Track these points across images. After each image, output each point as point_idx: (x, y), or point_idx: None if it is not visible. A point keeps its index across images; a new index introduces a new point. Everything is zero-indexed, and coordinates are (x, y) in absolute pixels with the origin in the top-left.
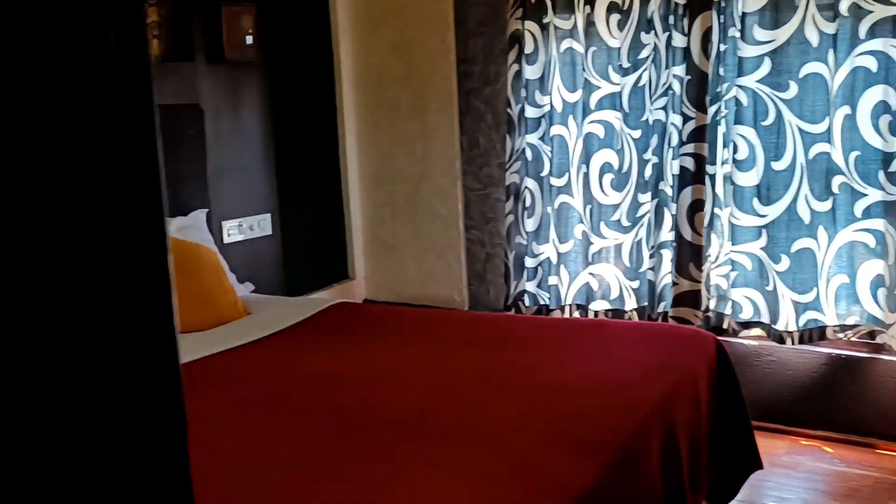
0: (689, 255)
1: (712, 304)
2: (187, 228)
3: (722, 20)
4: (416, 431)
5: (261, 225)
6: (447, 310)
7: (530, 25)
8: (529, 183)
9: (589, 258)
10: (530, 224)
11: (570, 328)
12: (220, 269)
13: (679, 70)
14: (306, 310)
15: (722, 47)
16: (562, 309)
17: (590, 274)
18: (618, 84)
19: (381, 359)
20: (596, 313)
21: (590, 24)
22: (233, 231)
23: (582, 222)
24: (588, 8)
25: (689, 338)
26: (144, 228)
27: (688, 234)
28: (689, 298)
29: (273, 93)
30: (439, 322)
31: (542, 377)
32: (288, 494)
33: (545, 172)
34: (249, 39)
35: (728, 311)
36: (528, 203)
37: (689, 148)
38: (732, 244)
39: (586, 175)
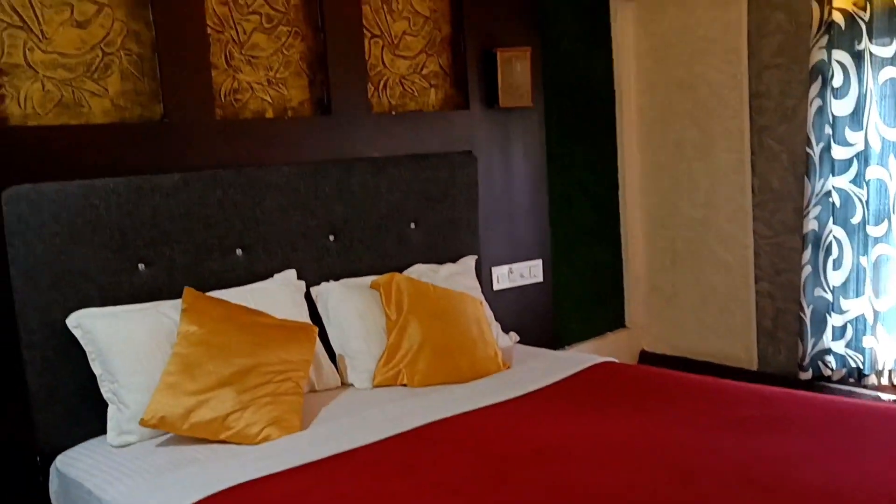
0: None
1: None
2: (456, 276)
3: None
4: None
5: (531, 271)
6: (722, 380)
7: (839, 55)
8: (836, 231)
9: None
10: (836, 277)
11: (877, 415)
12: (482, 320)
13: None
14: (568, 367)
15: None
16: (877, 374)
17: None
18: None
19: (632, 432)
20: None
21: None
22: (502, 277)
23: None
24: None
25: None
26: None
27: None
28: None
29: (549, 136)
30: (712, 393)
31: (823, 477)
32: None
33: (857, 219)
34: (524, 84)
35: None
36: (834, 253)
37: None
38: None
39: None
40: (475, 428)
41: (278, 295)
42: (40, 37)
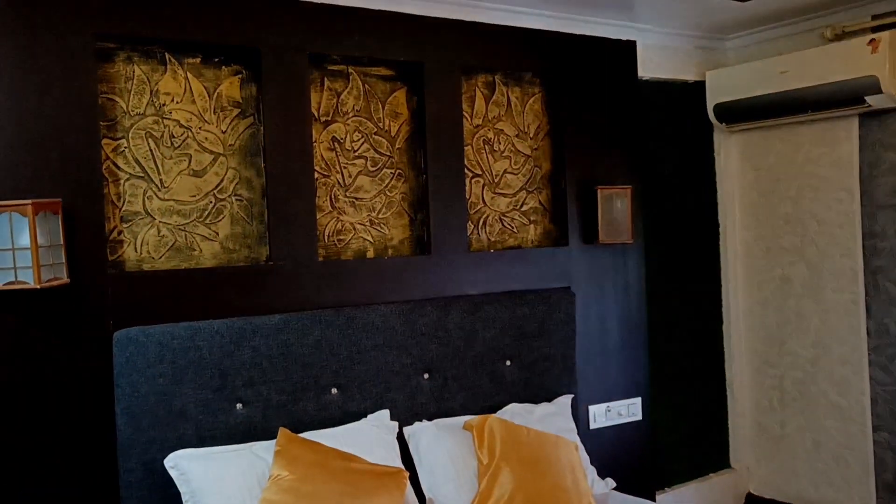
0: None
1: None
2: (551, 416)
3: None
4: None
5: (630, 410)
6: None
7: None
8: None
9: None
10: None
11: None
12: (577, 467)
13: None
14: None
15: None
16: None
17: None
18: None
19: None
20: None
21: None
22: (599, 416)
23: None
24: None
25: None
26: None
27: None
28: None
29: (650, 268)
30: None
31: None
32: None
33: None
34: (625, 221)
35: None
36: None
37: None
38: None
39: None
40: None
41: (371, 436)
42: (159, 186)
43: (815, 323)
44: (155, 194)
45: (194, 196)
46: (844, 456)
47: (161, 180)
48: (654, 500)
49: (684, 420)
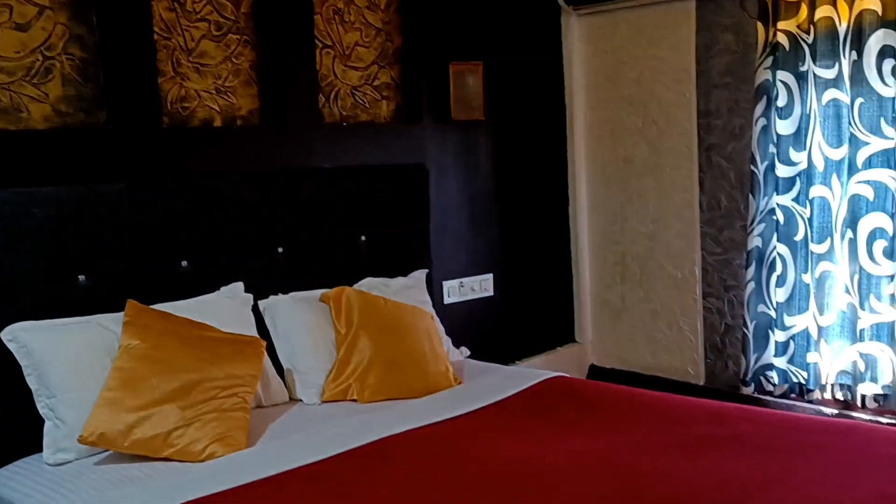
0: None
1: None
2: (407, 290)
3: None
4: None
5: (482, 285)
6: (671, 395)
7: (783, 76)
8: (780, 248)
9: (857, 334)
10: (780, 293)
11: (818, 431)
12: (433, 335)
13: None
14: (518, 382)
15: None
16: (821, 388)
17: (858, 352)
18: (892, 139)
19: (582, 452)
20: (864, 398)
21: (857, 71)
22: (453, 291)
23: (848, 293)
24: (855, 54)
25: None
26: None
27: None
28: None
29: (500, 150)
30: (662, 409)
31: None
32: None
33: (800, 237)
34: (476, 97)
35: None
36: (778, 270)
37: None
38: None
39: (852, 241)
40: (423, 445)
41: (225, 308)
42: None
43: (654, 201)
44: None
45: (18, 52)
46: (679, 323)
47: None
48: None
49: (533, 296)
